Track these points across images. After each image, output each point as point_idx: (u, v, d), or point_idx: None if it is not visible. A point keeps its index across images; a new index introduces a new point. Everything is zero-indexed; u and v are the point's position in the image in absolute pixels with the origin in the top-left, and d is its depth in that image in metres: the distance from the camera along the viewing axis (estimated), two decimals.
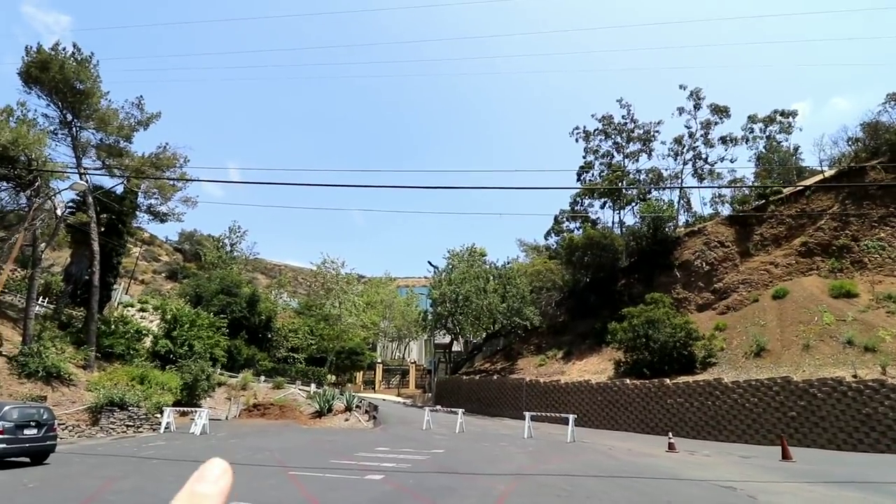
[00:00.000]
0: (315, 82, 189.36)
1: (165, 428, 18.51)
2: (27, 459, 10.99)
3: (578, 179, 38.22)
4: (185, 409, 21.85)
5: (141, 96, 26.76)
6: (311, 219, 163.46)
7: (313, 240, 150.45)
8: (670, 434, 14.96)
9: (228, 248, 52.38)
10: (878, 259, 22.96)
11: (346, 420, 22.39)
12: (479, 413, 27.65)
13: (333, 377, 41.03)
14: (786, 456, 12.63)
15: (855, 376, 15.80)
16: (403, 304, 61.08)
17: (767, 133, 34.10)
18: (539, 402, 25.49)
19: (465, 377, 32.86)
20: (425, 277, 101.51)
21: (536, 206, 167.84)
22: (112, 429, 17.62)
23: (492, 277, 32.52)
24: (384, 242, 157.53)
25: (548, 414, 20.42)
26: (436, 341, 42.89)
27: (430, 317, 38.62)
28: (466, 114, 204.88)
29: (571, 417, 16.23)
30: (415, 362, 55.12)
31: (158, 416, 19.50)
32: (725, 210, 34.88)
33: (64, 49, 24.64)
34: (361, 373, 47.72)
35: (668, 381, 20.16)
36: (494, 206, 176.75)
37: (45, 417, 11.23)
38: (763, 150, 34.24)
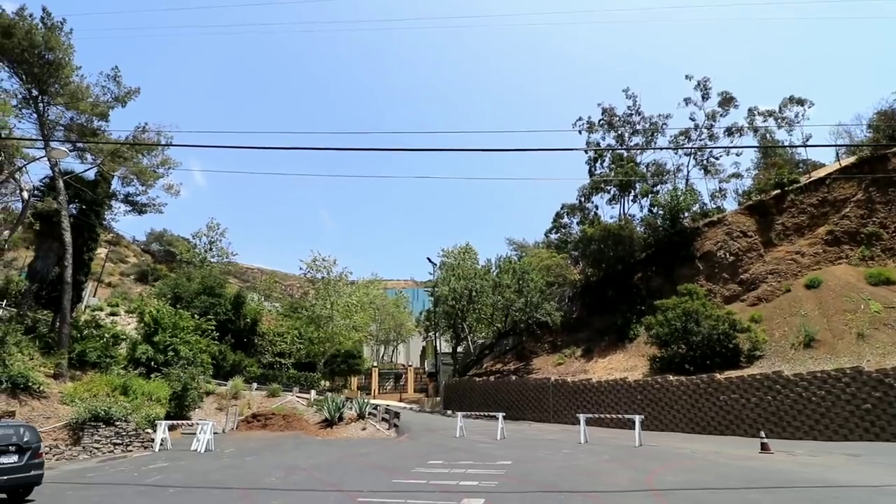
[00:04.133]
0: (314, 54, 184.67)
1: (161, 445, 15.88)
2: (3, 496, 8.38)
3: (589, 172, 37.05)
4: (178, 422, 19.18)
5: (116, 67, 23.62)
6: (279, 223, 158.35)
7: (281, 243, 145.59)
8: (762, 433, 13.58)
9: (206, 246, 48.80)
10: None
11: (363, 429, 20.20)
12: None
13: (327, 383, 38.36)
14: None
15: None
16: (393, 306, 58.73)
17: (779, 118, 33.73)
18: (567, 403, 23.96)
19: (477, 379, 30.97)
20: (412, 281, 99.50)
21: (528, 207, 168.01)
22: (97, 448, 14.87)
23: (511, 271, 30.77)
24: (359, 247, 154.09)
25: (602, 416, 18.84)
26: (435, 342, 40.86)
27: (433, 316, 36.59)
28: (460, 105, 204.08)
29: (638, 419, 14.65)
30: (411, 365, 52.76)
31: (150, 431, 16.84)
32: (730, 205, 34.44)
33: (31, 15, 21.48)
34: (356, 378, 45.05)
35: (718, 375, 18.91)
36: (480, 205, 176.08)
37: (27, 440, 8.66)
38: (772, 139, 33.96)
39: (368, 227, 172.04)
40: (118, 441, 15.47)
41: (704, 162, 37.02)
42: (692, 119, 36.05)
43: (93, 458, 14.42)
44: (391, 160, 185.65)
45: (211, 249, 49.60)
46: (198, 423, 17.36)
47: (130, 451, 15.56)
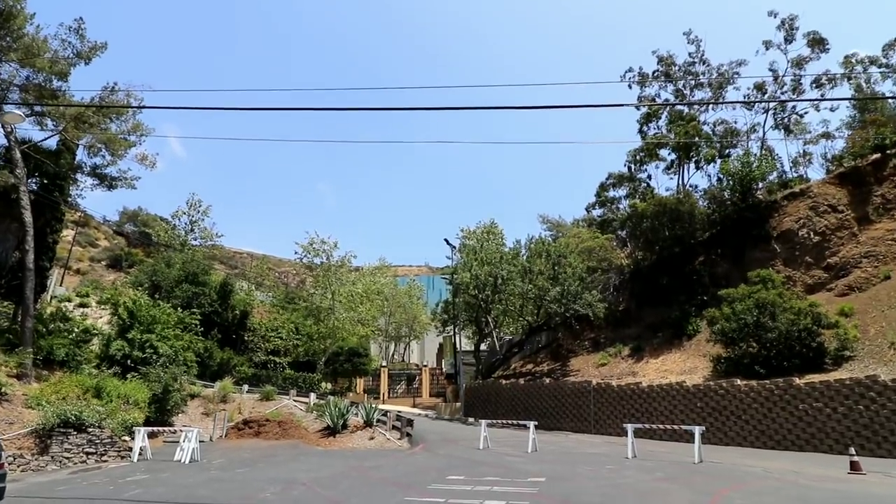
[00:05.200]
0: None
1: (139, 455, 16.41)
2: None
3: (640, 133, 36.27)
4: (159, 428, 19.78)
5: (80, 19, 23.82)
6: (271, 200, 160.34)
7: (274, 224, 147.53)
8: (852, 450, 13.24)
9: (187, 227, 49.68)
10: None
11: (371, 438, 20.64)
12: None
13: (329, 385, 39.10)
14: None
15: None
16: (404, 296, 59.20)
17: (881, 66, 32.29)
18: (612, 411, 23.91)
19: (504, 381, 31.13)
20: (427, 267, 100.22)
21: (565, 179, 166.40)
22: (67, 458, 15.44)
23: (545, 254, 30.57)
24: (364, 228, 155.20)
25: (654, 426, 18.70)
26: (454, 338, 41.05)
27: (452, 307, 36.68)
28: (480, 50, 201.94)
29: (697, 431, 14.46)
30: (426, 365, 53.36)
31: (127, 438, 17.42)
32: (815, 173, 33.33)
33: None
34: (362, 380, 45.81)
35: (797, 380, 18.52)
36: (508, 177, 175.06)
37: None
38: (872, 91, 32.60)
39: (375, 205, 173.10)
40: (91, 450, 16.01)
41: (786, 120, 35.90)
42: (771, 70, 34.87)
43: (63, 468, 14.97)
44: (401, 123, 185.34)
45: (192, 230, 50.58)
46: (181, 430, 17.85)
47: (105, 461, 16.08)
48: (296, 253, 44.00)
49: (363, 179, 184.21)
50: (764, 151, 33.05)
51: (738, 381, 20.08)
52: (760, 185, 30.48)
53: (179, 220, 51.29)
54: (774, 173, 31.53)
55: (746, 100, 36.01)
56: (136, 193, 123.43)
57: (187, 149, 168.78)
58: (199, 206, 50.86)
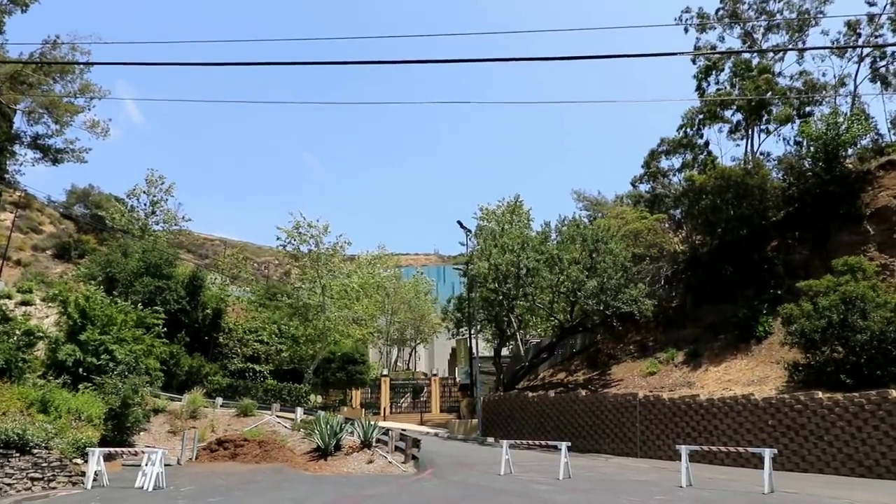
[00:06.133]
0: None
1: (94, 480, 16.69)
2: None
3: (698, 90, 35.75)
4: (117, 449, 20.11)
5: None
6: (248, 176, 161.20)
7: (251, 206, 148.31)
8: None
9: (148, 208, 50.19)
10: None
11: (370, 462, 20.93)
12: None
13: (319, 398, 39.52)
14: None
15: None
16: (410, 291, 59.45)
17: None
18: (662, 429, 23.94)
19: (530, 394, 31.24)
20: (437, 255, 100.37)
21: (605, 151, 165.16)
22: (8, 485, 15.72)
23: (580, 238, 30.47)
24: (360, 210, 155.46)
25: (714, 448, 18.70)
26: (470, 342, 41.20)
27: (467, 304, 36.70)
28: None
29: (768, 454, 14.34)
30: (436, 374, 53.75)
31: (79, 461, 17.73)
32: None
33: None
34: (359, 391, 46.26)
35: (893, 392, 18.25)
36: (542, 153, 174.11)
37: None
38: None
39: (374, 181, 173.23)
40: (37, 475, 16.25)
41: (884, 70, 35.03)
42: (869, 2, 33.96)
43: (3, 497, 15.29)
44: (404, 80, 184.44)
45: (154, 213, 51.12)
46: (144, 452, 18.07)
47: (54, 487, 16.33)
48: (278, 239, 43.94)
49: (358, 150, 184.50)
50: (856, 110, 32.32)
51: (820, 394, 19.87)
52: (850, 151, 30.03)
53: (138, 200, 51.91)
54: (868, 137, 30.93)
55: (834, 45, 35.16)
56: (86, 169, 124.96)
57: (147, 114, 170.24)
58: (161, 183, 51.34)
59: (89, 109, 26.48)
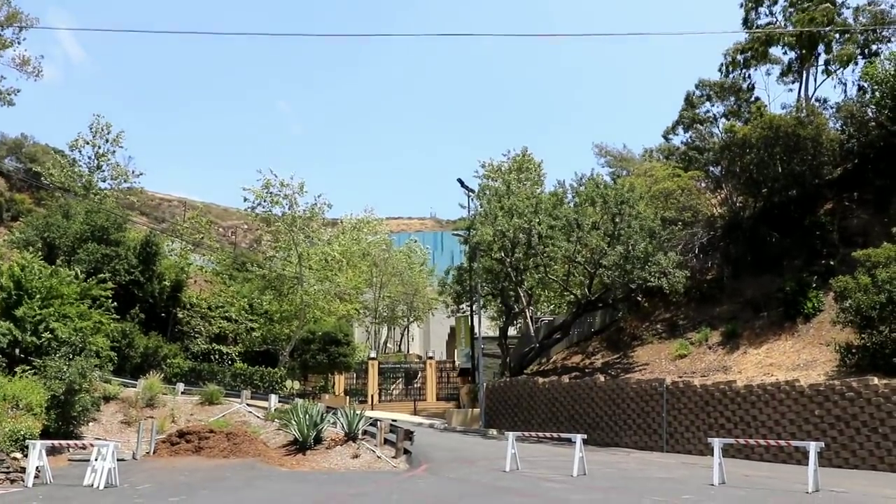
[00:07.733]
0: None
1: (36, 477, 16.87)
2: None
3: (744, 23, 35.23)
4: (62, 442, 20.40)
5: None
6: (211, 126, 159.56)
7: (216, 161, 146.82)
8: None
9: (92, 162, 49.93)
10: None
11: (355, 456, 21.19)
12: None
13: (296, 384, 39.93)
14: None
15: None
16: (402, 261, 59.58)
17: None
18: (692, 420, 24.03)
19: (541, 379, 31.43)
20: (434, 220, 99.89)
21: (633, 99, 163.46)
22: None
23: (600, 200, 30.35)
24: (344, 167, 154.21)
25: (751, 442, 19.03)
26: (471, 320, 41.41)
27: (468, 276, 36.79)
28: None
29: (813, 448, 14.39)
30: (432, 357, 54.14)
31: (18, 456, 17.90)
32: None
33: None
34: (343, 377, 46.68)
35: None
36: (557, 100, 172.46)
37: None
38: None
39: (359, 133, 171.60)
40: None
41: None
42: None
43: None
44: (395, 11, 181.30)
45: (100, 167, 50.81)
46: (93, 445, 18.22)
47: None
48: (246, 200, 43.77)
49: (342, 97, 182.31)
50: None
51: (875, 380, 19.85)
52: None
53: (81, 152, 51.68)
54: None
55: None
56: (18, 115, 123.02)
57: (89, 50, 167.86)
58: (108, 132, 50.96)
59: (18, 43, 26.09)
